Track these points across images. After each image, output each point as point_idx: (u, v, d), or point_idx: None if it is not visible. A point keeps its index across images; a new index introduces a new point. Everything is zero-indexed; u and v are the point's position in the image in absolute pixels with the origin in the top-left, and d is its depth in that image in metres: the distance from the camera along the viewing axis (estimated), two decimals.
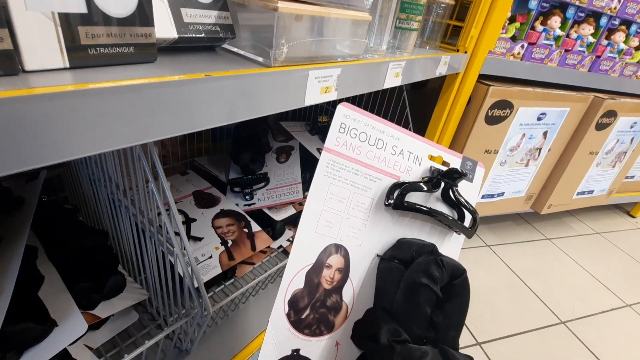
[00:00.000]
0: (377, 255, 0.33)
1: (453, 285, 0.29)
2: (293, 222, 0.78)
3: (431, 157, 0.35)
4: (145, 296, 0.54)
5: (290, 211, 0.77)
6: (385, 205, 0.32)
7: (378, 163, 0.32)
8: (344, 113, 0.31)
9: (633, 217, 1.78)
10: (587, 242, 1.47)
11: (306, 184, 0.78)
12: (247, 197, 0.77)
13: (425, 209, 0.32)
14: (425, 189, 0.32)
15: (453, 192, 0.34)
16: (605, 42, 1.07)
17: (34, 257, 0.49)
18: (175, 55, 0.30)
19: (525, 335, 0.96)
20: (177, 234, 0.45)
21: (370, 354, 0.30)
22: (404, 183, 0.32)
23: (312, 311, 0.31)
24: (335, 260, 0.32)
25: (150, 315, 0.60)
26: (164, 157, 0.88)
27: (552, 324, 1.01)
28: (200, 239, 0.65)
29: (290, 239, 0.75)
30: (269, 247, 0.70)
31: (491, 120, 0.93)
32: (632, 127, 1.25)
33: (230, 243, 0.65)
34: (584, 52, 1.04)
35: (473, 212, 0.34)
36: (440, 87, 0.90)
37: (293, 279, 0.31)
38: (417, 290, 0.28)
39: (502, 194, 1.15)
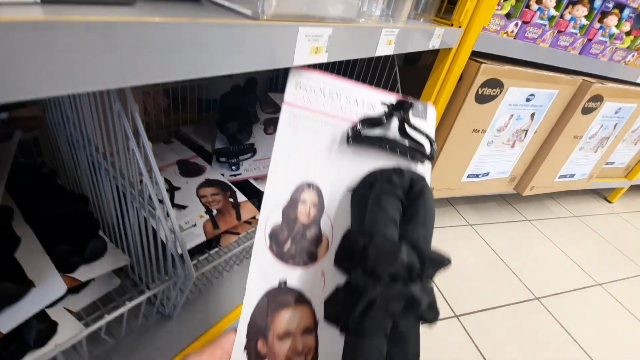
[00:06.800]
0: (349, 190, 0.34)
1: (414, 190, 0.31)
2: None
3: (384, 103, 0.37)
4: (127, 261, 0.53)
5: None
6: (347, 143, 0.34)
7: (335, 112, 0.35)
8: (298, 73, 0.33)
9: (610, 202, 1.84)
10: (565, 225, 1.52)
11: None
12: (233, 167, 0.76)
13: (384, 138, 0.34)
14: (384, 119, 0.35)
15: (408, 123, 0.36)
16: (597, 25, 1.07)
17: (9, 218, 0.48)
18: (156, 1, 0.28)
19: (501, 309, 1.00)
20: (160, 201, 0.44)
21: (352, 273, 0.30)
22: (361, 120, 0.34)
23: (294, 243, 0.33)
24: (309, 196, 0.33)
25: (132, 281, 0.59)
26: (147, 125, 0.85)
27: (526, 300, 1.06)
28: (184, 207, 0.64)
29: None
30: (254, 217, 0.70)
31: (481, 99, 0.93)
32: (616, 112, 1.27)
33: (215, 212, 0.65)
34: (576, 34, 1.03)
35: (430, 139, 0.36)
36: (432, 63, 0.89)
37: (270, 216, 0.32)
38: (382, 198, 0.30)
39: (487, 174, 1.17)
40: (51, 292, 0.41)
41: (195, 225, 0.61)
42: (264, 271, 0.32)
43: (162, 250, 0.48)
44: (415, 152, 0.35)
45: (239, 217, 0.66)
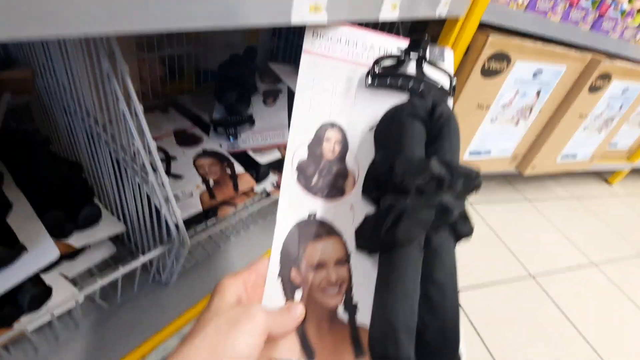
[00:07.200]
0: (371, 129, 0.35)
1: (436, 112, 0.31)
2: (278, 166, 0.77)
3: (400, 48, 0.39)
4: (123, 229, 0.53)
5: (276, 155, 0.75)
6: (366, 85, 0.35)
7: (353, 57, 0.36)
8: (312, 30, 0.35)
9: (610, 184, 1.83)
10: (564, 205, 1.52)
11: None
12: (231, 138, 0.75)
13: (403, 76, 0.35)
14: (402, 57, 0.36)
15: (426, 60, 0.36)
16: (609, 0, 1.02)
17: None
18: None
19: (497, 285, 1.01)
20: (154, 168, 0.42)
21: (381, 200, 0.30)
22: (379, 59, 0.35)
23: (321, 177, 0.34)
24: (333, 134, 0.35)
25: (129, 250, 0.59)
26: (143, 94, 0.83)
27: (522, 277, 1.07)
28: (180, 177, 0.63)
29: (275, 184, 0.73)
30: (252, 189, 0.69)
31: (487, 73, 0.90)
32: (623, 92, 1.24)
33: (212, 183, 0.64)
34: (588, 8, 0.99)
35: (449, 75, 0.36)
36: (438, 36, 0.85)
37: (296, 151, 0.33)
38: (406, 121, 0.30)
39: (489, 152, 1.15)
40: (44, 257, 0.41)
41: (191, 195, 0.60)
42: (293, 203, 0.32)
43: (157, 218, 0.47)
44: (435, 89, 0.35)
45: (236, 188, 0.65)
